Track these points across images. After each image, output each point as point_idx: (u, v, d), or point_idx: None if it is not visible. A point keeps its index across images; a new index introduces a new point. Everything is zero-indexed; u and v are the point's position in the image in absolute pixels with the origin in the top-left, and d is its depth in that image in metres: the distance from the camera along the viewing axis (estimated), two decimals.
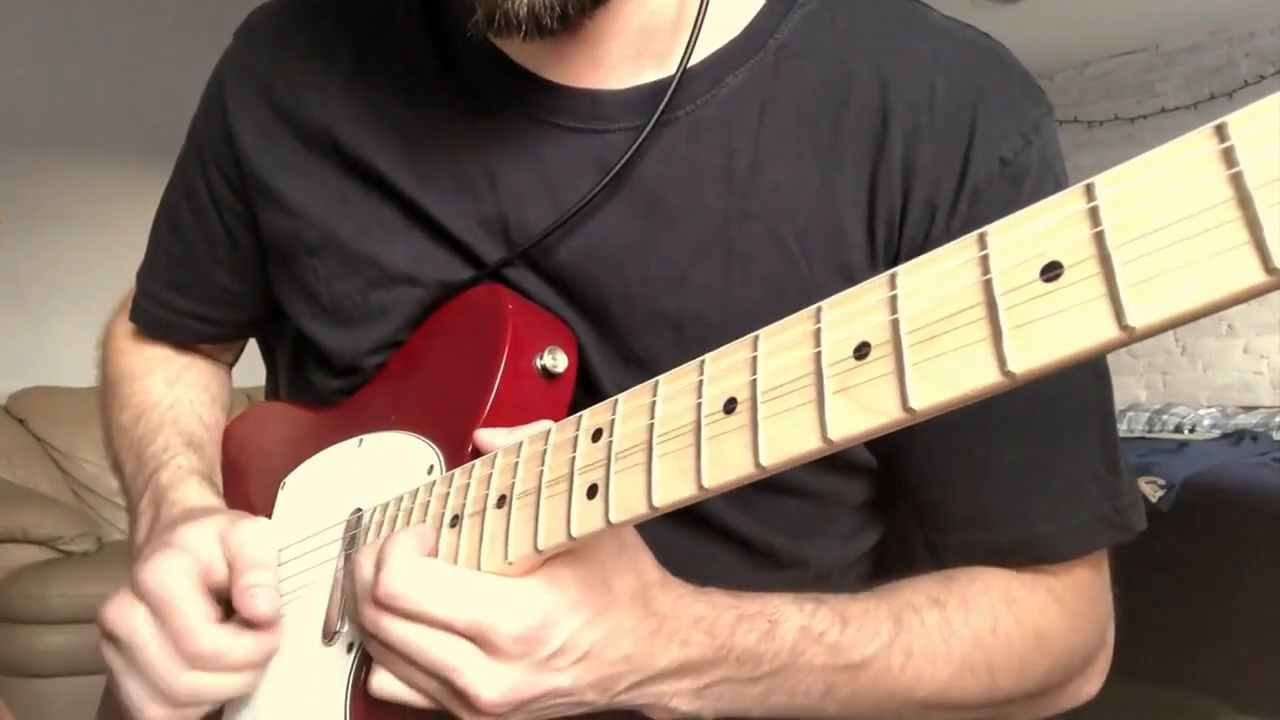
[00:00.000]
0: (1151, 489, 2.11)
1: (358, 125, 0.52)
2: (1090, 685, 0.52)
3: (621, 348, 0.48)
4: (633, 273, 0.47)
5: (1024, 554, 0.48)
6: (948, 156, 0.46)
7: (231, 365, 0.70)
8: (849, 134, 0.47)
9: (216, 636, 0.45)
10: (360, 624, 0.40)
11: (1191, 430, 2.77)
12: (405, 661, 0.39)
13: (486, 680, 0.37)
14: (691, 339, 0.47)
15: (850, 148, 0.47)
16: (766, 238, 0.47)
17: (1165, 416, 2.89)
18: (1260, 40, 3.72)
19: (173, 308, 0.63)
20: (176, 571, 0.45)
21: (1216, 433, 2.67)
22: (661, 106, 0.46)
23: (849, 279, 0.46)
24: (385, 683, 0.40)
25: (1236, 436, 2.53)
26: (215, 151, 0.57)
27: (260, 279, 0.59)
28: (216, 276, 0.61)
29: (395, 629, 0.38)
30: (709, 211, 0.47)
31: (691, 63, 0.47)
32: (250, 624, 0.46)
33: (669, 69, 0.47)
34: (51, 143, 2.95)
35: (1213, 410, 2.96)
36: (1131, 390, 3.95)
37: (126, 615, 0.45)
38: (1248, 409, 3.02)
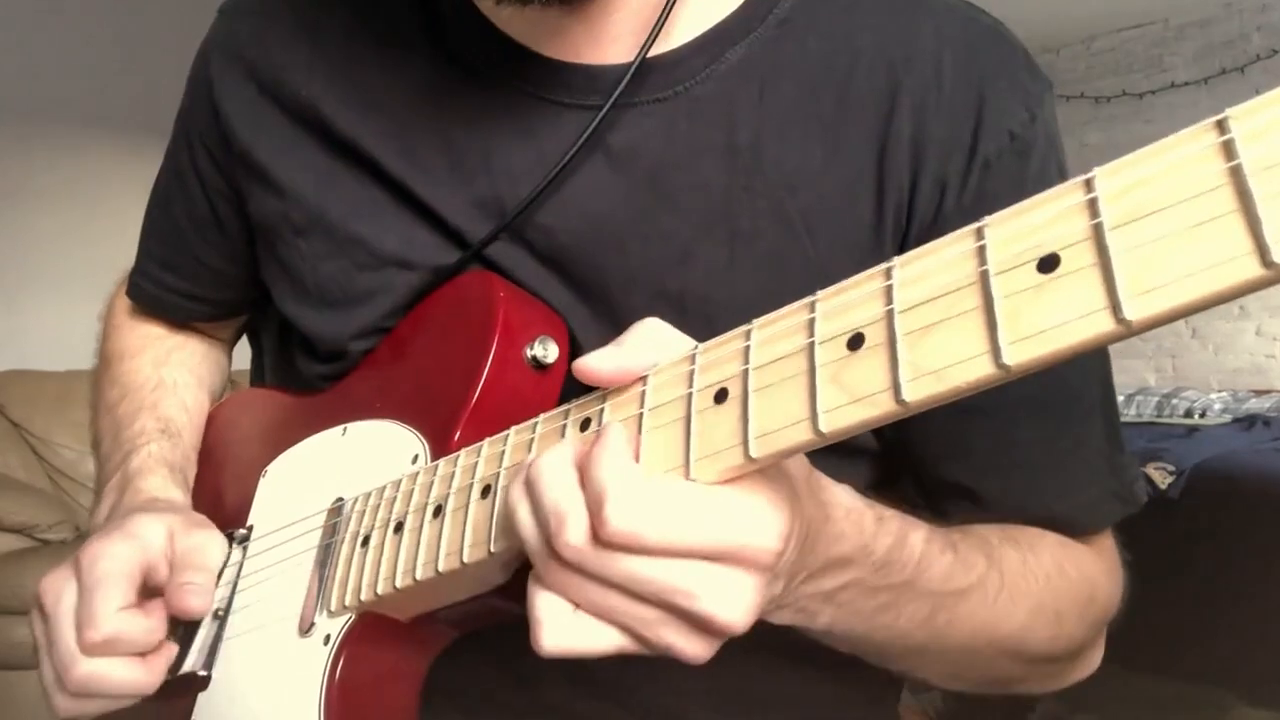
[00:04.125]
0: (1160, 475, 2.08)
1: (345, 103, 0.51)
2: (1097, 653, 0.52)
3: (622, 329, 0.47)
4: (634, 252, 0.47)
5: (1046, 529, 0.49)
6: (958, 132, 0.46)
7: (232, 343, 0.70)
8: (854, 111, 0.46)
9: (115, 622, 0.45)
10: (555, 575, 0.33)
11: (1202, 415, 2.74)
12: (616, 596, 0.32)
13: (733, 601, 0.31)
14: (695, 319, 0.46)
15: (855, 125, 0.46)
16: (770, 215, 0.46)
17: (1175, 401, 2.86)
18: (1273, 13, 3.65)
19: (165, 285, 0.63)
20: (115, 557, 0.46)
21: (1228, 417, 2.64)
22: (627, 77, 0.45)
23: (854, 258, 0.46)
24: (564, 633, 0.33)
25: (1248, 421, 2.50)
26: (202, 131, 0.56)
27: (249, 259, 0.59)
28: (205, 256, 0.61)
29: (623, 567, 0.31)
30: (711, 188, 0.46)
31: (691, 37, 0.47)
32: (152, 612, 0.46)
33: (668, 43, 0.47)
34: (28, 122, 2.91)
35: (1224, 394, 2.92)
36: (1140, 374, 3.91)
37: (58, 592, 0.46)
38: (1259, 393, 2.98)
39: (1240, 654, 1.86)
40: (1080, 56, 4.15)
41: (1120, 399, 3.00)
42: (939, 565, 0.41)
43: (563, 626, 0.33)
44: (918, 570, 0.39)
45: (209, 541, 0.49)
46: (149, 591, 0.47)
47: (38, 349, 2.67)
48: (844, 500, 0.37)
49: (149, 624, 0.46)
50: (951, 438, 0.48)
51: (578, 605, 0.33)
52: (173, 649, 0.48)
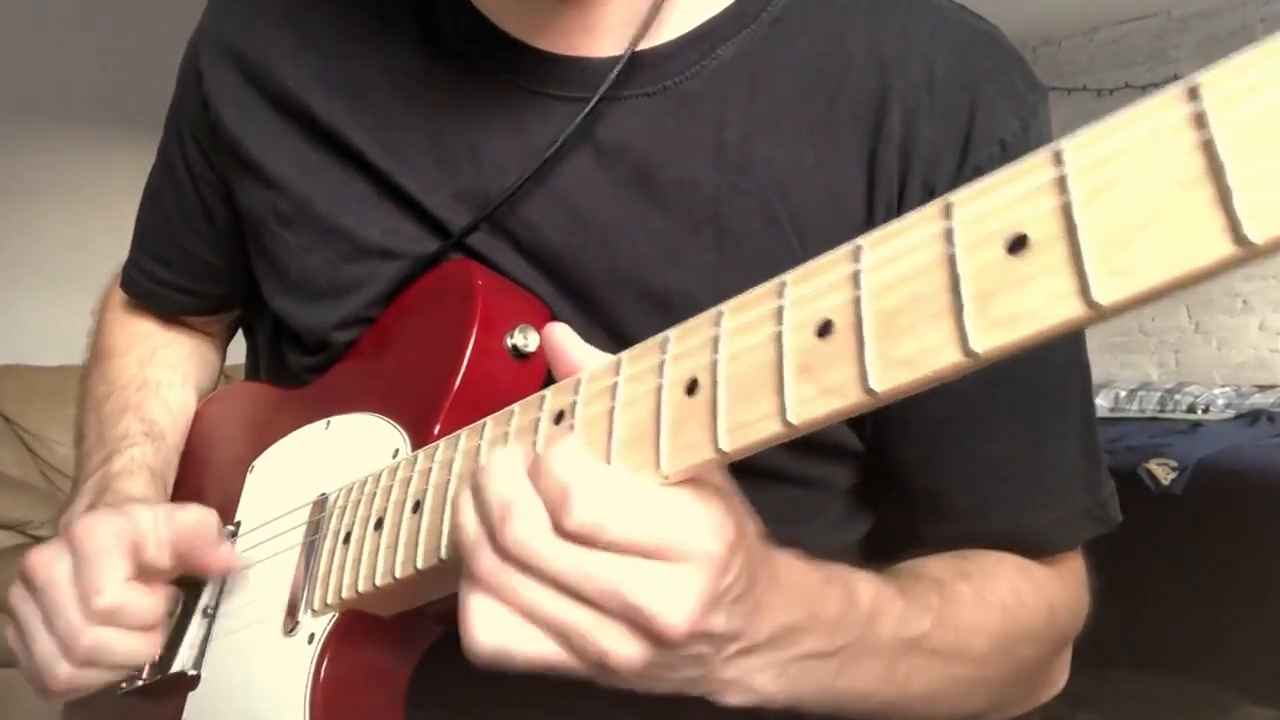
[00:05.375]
0: (1164, 471, 2.07)
1: (332, 94, 0.51)
2: (1063, 677, 0.52)
3: (608, 327, 0.47)
4: (621, 250, 0.46)
5: (1015, 546, 0.49)
6: (948, 137, 0.45)
7: (225, 339, 0.70)
8: (845, 112, 0.46)
9: (122, 591, 0.45)
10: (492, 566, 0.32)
11: (1205, 410, 2.73)
12: (553, 594, 0.31)
13: (676, 600, 0.30)
14: (682, 319, 0.46)
15: (847, 126, 0.46)
16: (759, 215, 0.46)
17: (1178, 396, 2.84)
18: (1276, 4, 3.62)
19: (156, 278, 0.63)
20: (109, 530, 0.46)
21: (1231, 413, 2.62)
22: (615, 70, 0.44)
23: None
24: (499, 634, 0.32)
25: (1251, 417, 2.49)
26: (191, 123, 0.57)
27: (239, 251, 0.59)
28: (195, 249, 0.61)
29: (570, 558, 0.30)
30: (700, 186, 0.46)
31: (682, 31, 0.46)
32: (150, 586, 0.46)
33: (659, 37, 0.46)
34: (22, 117, 2.90)
35: (1227, 390, 2.90)
36: (1143, 369, 3.89)
37: (50, 563, 0.46)
38: (1263, 388, 2.97)
39: (1243, 651, 1.85)
40: (1082, 48, 4.12)
41: (1123, 394, 2.99)
42: (891, 614, 0.40)
43: (497, 627, 0.32)
44: (869, 625, 0.39)
45: (206, 513, 0.48)
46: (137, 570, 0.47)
47: (32, 344, 2.67)
48: (792, 566, 0.36)
49: (151, 600, 0.46)
50: (928, 449, 0.47)
51: (512, 607, 0.32)
52: (166, 620, 0.48)
